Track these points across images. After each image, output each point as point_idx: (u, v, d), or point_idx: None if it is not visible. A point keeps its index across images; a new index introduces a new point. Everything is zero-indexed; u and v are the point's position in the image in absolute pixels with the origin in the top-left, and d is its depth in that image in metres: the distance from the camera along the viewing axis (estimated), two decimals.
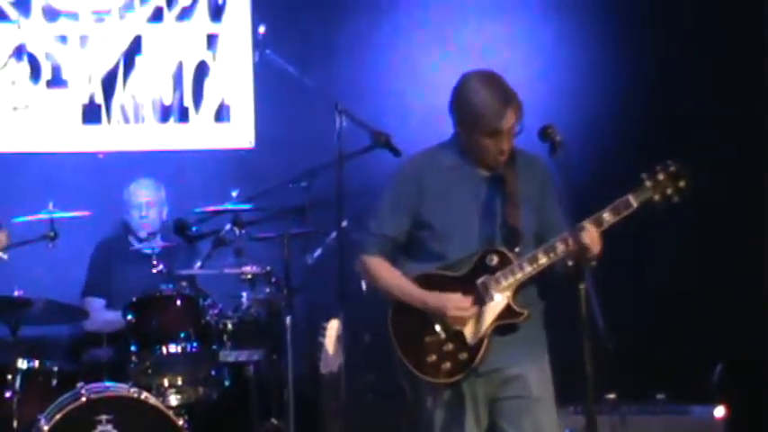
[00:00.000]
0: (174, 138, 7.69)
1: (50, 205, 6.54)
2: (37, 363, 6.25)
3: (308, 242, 6.63)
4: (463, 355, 4.67)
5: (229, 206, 6.69)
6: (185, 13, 7.70)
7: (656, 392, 6.79)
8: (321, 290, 6.39)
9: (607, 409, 6.41)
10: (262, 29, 6.52)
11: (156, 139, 7.67)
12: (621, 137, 7.55)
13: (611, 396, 6.50)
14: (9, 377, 6.12)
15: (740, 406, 6.63)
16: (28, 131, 7.53)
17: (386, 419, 6.55)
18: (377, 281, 4.81)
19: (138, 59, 7.65)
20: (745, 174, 7.43)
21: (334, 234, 6.19)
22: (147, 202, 7.09)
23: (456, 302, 4.64)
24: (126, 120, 7.65)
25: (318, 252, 6.62)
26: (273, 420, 6.63)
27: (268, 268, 6.57)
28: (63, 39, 7.57)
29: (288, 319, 6.07)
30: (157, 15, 7.67)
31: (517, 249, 4.70)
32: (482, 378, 4.70)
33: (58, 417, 5.88)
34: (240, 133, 7.73)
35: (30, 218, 6.54)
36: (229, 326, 6.55)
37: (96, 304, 6.95)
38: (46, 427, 5.86)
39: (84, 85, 7.59)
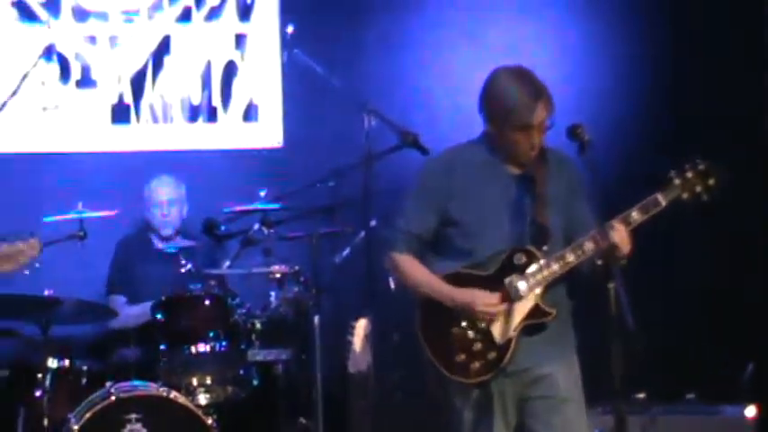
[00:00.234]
0: (202, 137, 7.69)
1: (80, 205, 6.56)
2: (67, 362, 6.26)
3: (336, 242, 6.62)
4: (492, 355, 4.64)
5: (258, 206, 6.69)
6: (214, 13, 7.70)
7: (686, 392, 6.76)
8: (349, 289, 6.39)
9: (637, 408, 6.37)
10: (290, 29, 6.50)
11: (184, 139, 7.67)
12: (647, 136, 7.54)
13: (641, 396, 6.46)
14: (39, 376, 6.12)
15: None
16: (57, 131, 7.54)
17: (414, 418, 6.53)
18: (406, 278, 4.79)
19: (166, 59, 7.66)
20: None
21: (362, 233, 6.16)
22: (168, 200, 7.09)
23: (483, 298, 4.62)
24: (155, 119, 7.65)
25: (346, 251, 6.61)
26: (302, 419, 6.63)
27: (296, 268, 6.56)
28: (92, 39, 7.58)
29: (316, 319, 6.06)
30: (186, 15, 7.68)
31: (545, 248, 4.67)
32: (511, 378, 4.68)
33: (87, 415, 5.88)
34: (268, 133, 7.73)
35: (59, 218, 6.56)
36: (258, 325, 6.56)
37: (119, 301, 6.95)
38: (76, 426, 5.86)
39: (114, 85, 7.60)
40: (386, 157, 5.71)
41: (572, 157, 4.69)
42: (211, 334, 6.38)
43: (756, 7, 7.51)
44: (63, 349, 6.34)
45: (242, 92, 7.72)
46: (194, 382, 6.35)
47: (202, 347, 6.36)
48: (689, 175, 4.72)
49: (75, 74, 7.56)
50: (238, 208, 6.71)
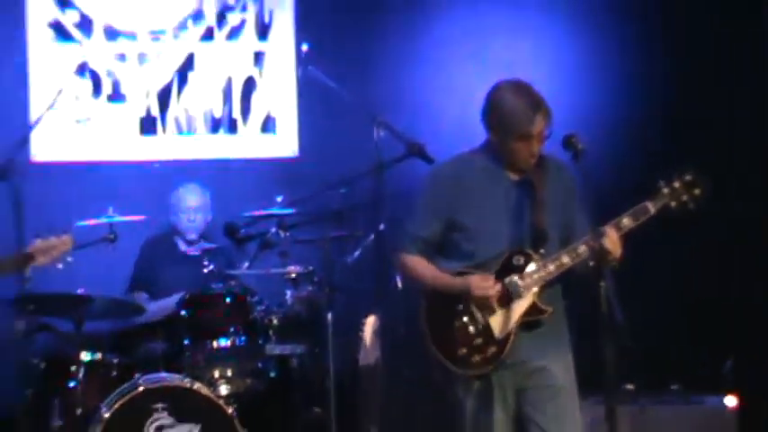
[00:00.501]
0: (223, 147, 7.72)
1: (110, 210, 6.61)
2: (99, 355, 6.27)
3: (348, 244, 6.63)
4: (492, 349, 4.67)
5: (274, 211, 6.71)
6: (234, 33, 7.74)
7: (671, 384, 6.78)
8: (360, 288, 6.39)
9: (626, 399, 6.39)
10: (305, 47, 6.52)
11: (207, 149, 7.70)
12: (638, 146, 7.49)
13: (630, 387, 6.48)
14: (73, 368, 6.14)
15: (752, 396, 6.62)
16: (90, 142, 7.57)
17: (420, 407, 6.58)
18: (411, 273, 4.83)
19: (190, 75, 7.69)
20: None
21: (372, 236, 6.19)
22: (195, 207, 7.12)
23: (477, 282, 4.64)
24: (179, 131, 7.69)
25: (357, 253, 6.61)
26: (316, 409, 6.63)
27: (310, 268, 6.58)
28: (122, 57, 7.63)
29: (329, 315, 6.06)
30: (209, 35, 7.72)
31: (542, 251, 4.70)
32: (509, 370, 4.71)
33: (117, 405, 5.89)
34: (285, 143, 7.76)
35: (91, 222, 6.59)
36: (275, 321, 6.57)
37: (142, 298, 6.96)
38: (106, 415, 5.88)
39: (142, 100, 7.64)
40: (394, 166, 5.70)
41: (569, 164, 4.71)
42: (232, 329, 6.40)
43: (751, 22, 7.50)
44: (95, 343, 6.36)
45: (260, 105, 7.75)
46: (216, 374, 6.35)
47: (224, 342, 6.38)
48: (676, 184, 4.72)
49: (107, 89, 7.60)
50: (256, 213, 6.72)
